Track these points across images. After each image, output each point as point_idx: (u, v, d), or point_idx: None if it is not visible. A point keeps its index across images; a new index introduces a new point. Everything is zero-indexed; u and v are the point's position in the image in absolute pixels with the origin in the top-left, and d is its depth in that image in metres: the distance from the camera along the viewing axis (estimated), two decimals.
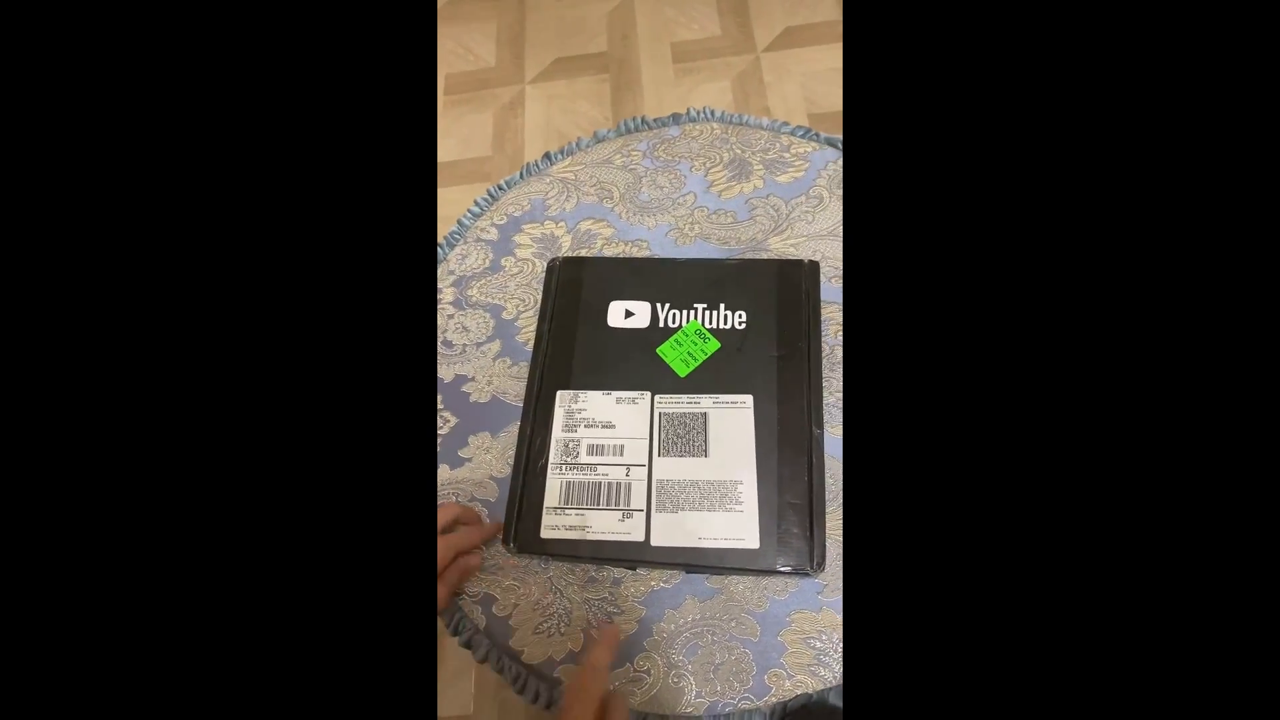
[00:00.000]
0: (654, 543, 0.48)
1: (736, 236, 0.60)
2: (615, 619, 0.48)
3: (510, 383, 0.56)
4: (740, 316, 0.55)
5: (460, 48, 1.41)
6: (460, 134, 1.31)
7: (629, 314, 0.56)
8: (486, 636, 0.49)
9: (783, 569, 0.47)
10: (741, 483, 0.49)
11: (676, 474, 0.50)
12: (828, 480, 0.50)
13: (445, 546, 0.47)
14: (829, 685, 0.45)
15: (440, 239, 0.64)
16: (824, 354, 0.54)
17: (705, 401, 0.52)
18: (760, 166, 0.64)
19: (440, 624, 0.49)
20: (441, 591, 0.46)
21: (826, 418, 0.52)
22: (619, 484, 0.50)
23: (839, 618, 0.47)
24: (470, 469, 0.54)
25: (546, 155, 0.67)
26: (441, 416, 0.56)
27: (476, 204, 0.65)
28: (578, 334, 0.56)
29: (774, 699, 0.45)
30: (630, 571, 0.49)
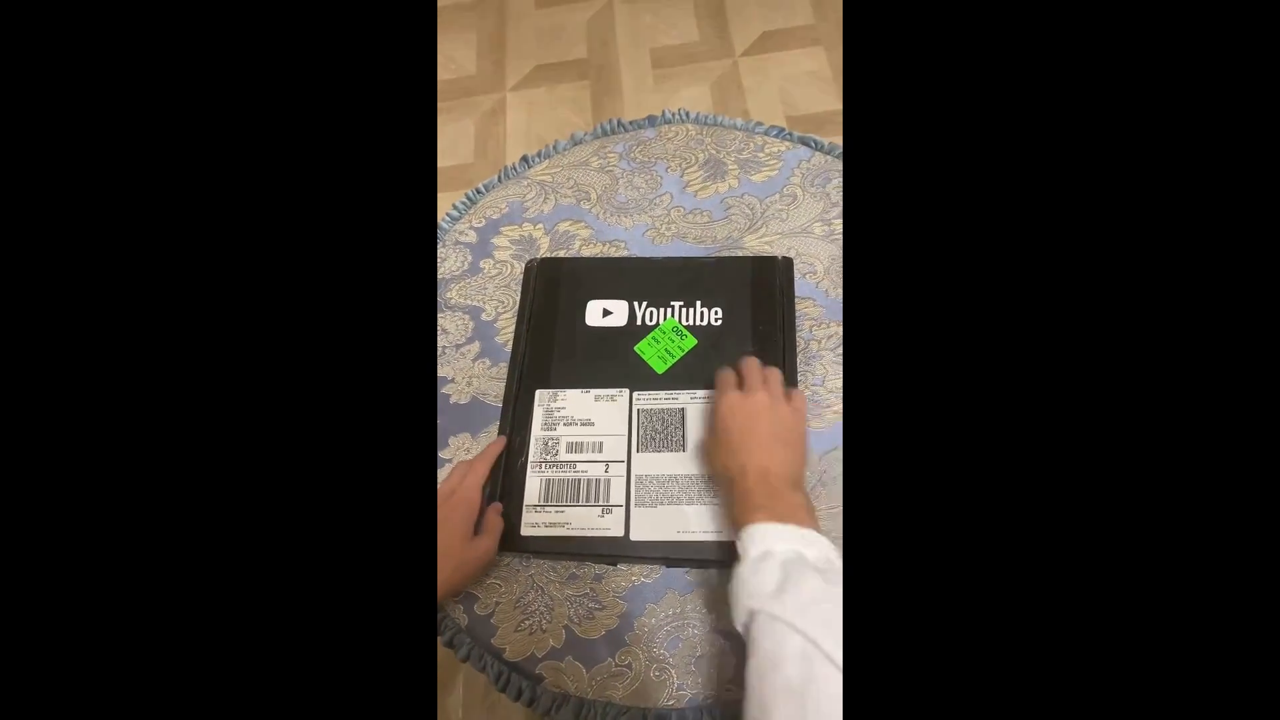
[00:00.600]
0: (634, 537, 0.48)
1: (712, 235, 0.61)
2: (596, 615, 0.48)
3: (490, 384, 0.57)
4: (716, 313, 0.56)
5: (442, 56, 1.42)
6: (443, 141, 1.31)
7: (607, 313, 0.57)
8: (468, 635, 0.49)
9: None
10: None
11: (655, 469, 0.50)
12: (805, 473, 0.50)
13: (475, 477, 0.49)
14: None
15: None
16: (799, 348, 0.55)
17: (683, 397, 0.53)
18: (735, 166, 0.64)
19: None
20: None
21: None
22: (598, 480, 0.50)
23: None
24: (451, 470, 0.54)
25: (524, 159, 0.68)
26: None
27: (455, 208, 0.66)
28: (556, 333, 0.56)
29: None
30: (611, 567, 0.49)
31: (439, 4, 1.47)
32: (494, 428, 0.54)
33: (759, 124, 0.67)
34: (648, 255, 0.61)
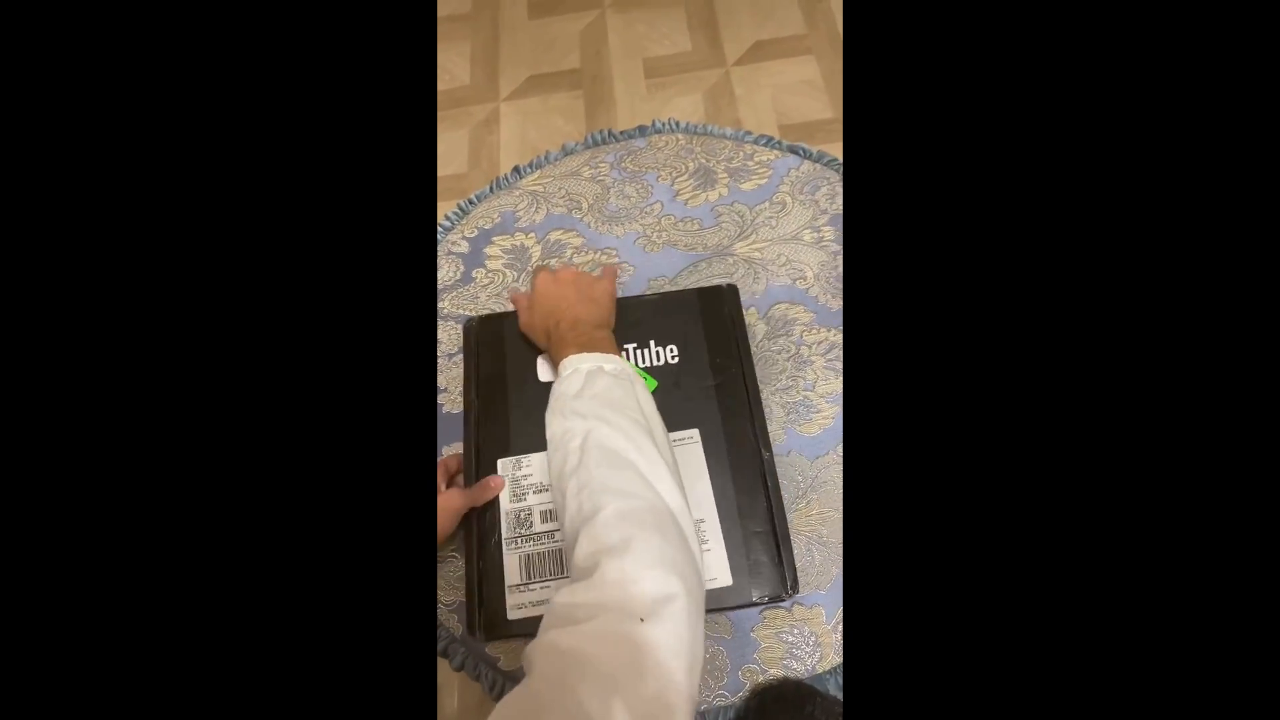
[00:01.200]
0: None
1: (703, 242, 0.62)
2: None
3: None
4: (672, 350, 0.54)
5: (436, 65, 1.43)
6: (437, 151, 1.32)
7: None
8: (463, 645, 0.49)
9: (759, 600, 0.47)
10: (704, 520, 0.48)
11: None
12: (783, 482, 0.50)
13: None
14: (802, 677, 0.46)
15: None
16: (789, 354, 0.55)
17: None
18: (725, 175, 0.65)
19: None
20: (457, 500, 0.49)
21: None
22: None
23: (809, 611, 0.47)
24: None
25: (516, 169, 0.68)
26: None
27: (447, 218, 0.66)
28: (509, 396, 0.53)
29: (748, 694, 0.45)
30: None
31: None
32: None
33: (748, 133, 0.68)
34: (642, 257, 0.61)
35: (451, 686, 0.91)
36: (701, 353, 0.54)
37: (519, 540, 0.48)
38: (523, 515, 0.49)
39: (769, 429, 0.52)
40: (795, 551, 0.48)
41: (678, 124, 0.69)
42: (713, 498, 0.49)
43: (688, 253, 0.61)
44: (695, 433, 0.51)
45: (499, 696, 0.47)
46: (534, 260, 0.62)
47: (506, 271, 0.62)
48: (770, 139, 0.67)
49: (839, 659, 0.47)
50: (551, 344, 0.49)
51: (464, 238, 0.64)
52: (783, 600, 0.47)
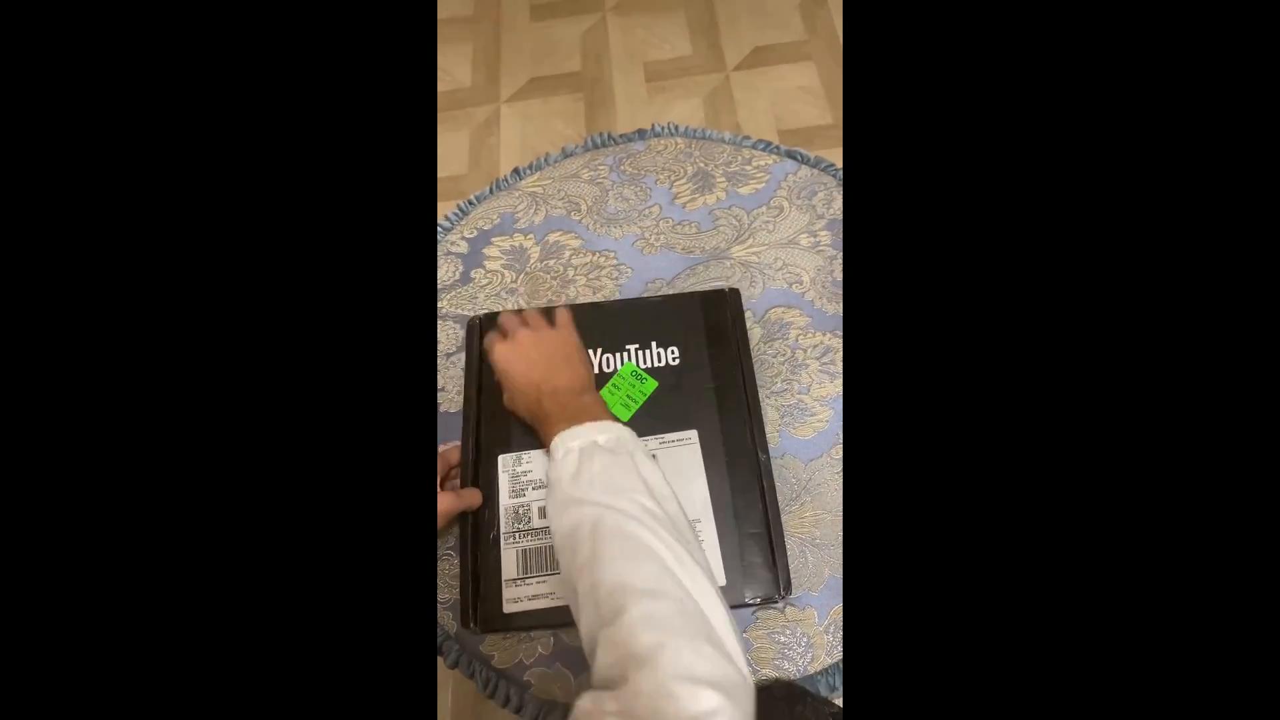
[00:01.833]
0: None
1: (700, 246, 0.62)
2: None
3: None
4: (673, 352, 0.55)
5: (437, 69, 1.43)
6: (438, 153, 1.33)
7: None
8: (457, 642, 0.49)
9: (751, 601, 0.47)
10: (700, 520, 0.49)
11: None
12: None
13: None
14: (794, 678, 0.46)
15: None
16: (784, 358, 0.55)
17: (652, 443, 0.51)
18: (723, 179, 0.66)
19: None
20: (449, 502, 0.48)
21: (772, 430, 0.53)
22: None
23: (802, 612, 0.48)
24: None
25: (516, 170, 0.69)
26: None
27: (446, 219, 0.66)
28: None
29: None
30: None
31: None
32: None
33: (746, 138, 0.68)
34: (635, 260, 0.61)
35: (445, 684, 0.91)
36: (702, 355, 0.54)
37: (517, 535, 0.49)
38: (521, 511, 0.50)
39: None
40: (788, 553, 0.48)
41: (677, 128, 0.70)
42: (709, 499, 0.49)
43: (685, 255, 0.62)
44: (694, 434, 0.51)
45: (492, 694, 0.47)
46: (532, 261, 0.63)
47: (505, 272, 0.62)
48: (768, 144, 0.68)
49: (830, 660, 0.47)
50: (537, 422, 0.47)
51: (463, 238, 0.65)
52: (776, 602, 0.47)
